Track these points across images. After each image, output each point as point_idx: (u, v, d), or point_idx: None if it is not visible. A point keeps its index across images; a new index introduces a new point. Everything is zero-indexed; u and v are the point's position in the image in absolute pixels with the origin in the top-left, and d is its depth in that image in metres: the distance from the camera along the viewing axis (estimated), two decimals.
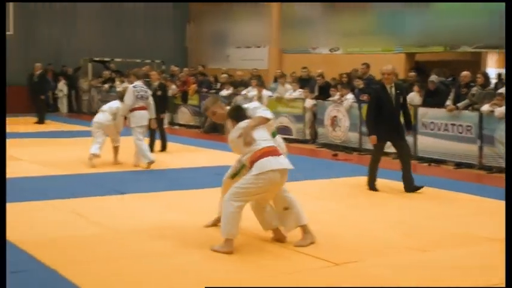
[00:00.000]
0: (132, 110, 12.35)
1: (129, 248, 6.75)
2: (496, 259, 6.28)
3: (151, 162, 12.23)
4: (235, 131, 6.72)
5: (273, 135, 7.10)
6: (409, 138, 14.02)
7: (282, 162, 6.61)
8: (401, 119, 10.69)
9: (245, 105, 7.12)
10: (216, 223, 7.31)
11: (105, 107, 12.81)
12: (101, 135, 12.43)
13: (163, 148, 14.73)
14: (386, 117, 10.27)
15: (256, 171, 6.47)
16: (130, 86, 12.76)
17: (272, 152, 6.58)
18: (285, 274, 5.97)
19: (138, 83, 12.67)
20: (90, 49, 26.21)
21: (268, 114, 6.89)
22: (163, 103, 14.91)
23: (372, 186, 10.44)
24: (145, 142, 12.57)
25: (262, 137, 6.64)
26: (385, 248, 6.97)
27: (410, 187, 10.34)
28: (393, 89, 10.34)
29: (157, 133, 14.67)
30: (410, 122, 11.00)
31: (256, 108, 6.97)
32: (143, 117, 12.48)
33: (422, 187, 10.36)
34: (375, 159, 10.57)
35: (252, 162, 6.54)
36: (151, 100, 12.84)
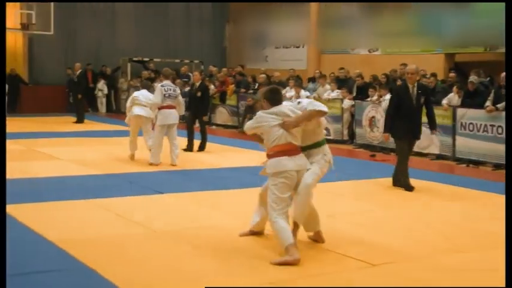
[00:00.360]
0: (160, 108, 12.51)
1: (167, 248, 6.77)
2: None
3: (154, 164, 12.39)
4: (268, 113, 6.53)
5: (321, 143, 6.86)
6: (448, 139, 14.04)
7: (299, 162, 6.48)
8: (424, 119, 10.74)
9: (300, 100, 7.00)
10: (249, 234, 7.18)
11: (142, 100, 12.96)
12: (136, 134, 12.92)
13: (202, 148, 14.78)
14: (405, 116, 10.30)
15: (271, 171, 6.46)
16: (159, 85, 12.97)
17: (289, 151, 6.45)
18: (322, 275, 5.97)
19: (167, 82, 12.85)
20: (129, 49, 26.43)
21: (324, 107, 6.64)
22: (203, 104, 15.00)
23: (406, 186, 10.37)
24: (168, 141, 12.61)
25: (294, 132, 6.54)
26: (421, 248, 6.93)
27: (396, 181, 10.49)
28: (415, 89, 10.35)
29: (196, 133, 14.82)
30: (434, 122, 10.89)
31: (311, 102, 6.77)
32: (170, 115, 12.57)
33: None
34: (402, 159, 10.54)
35: (269, 156, 6.52)
36: (180, 99, 12.95)
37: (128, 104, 13.20)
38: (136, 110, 12.88)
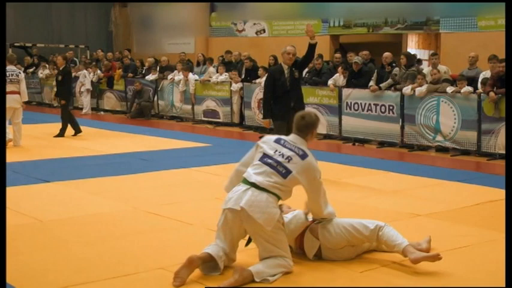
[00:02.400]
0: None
1: (55, 238, 6.64)
2: (419, 234, 6.38)
3: None
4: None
5: None
6: (334, 119, 14.38)
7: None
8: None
9: None
10: None
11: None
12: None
13: (76, 132, 14.78)
14: (280, 98, 9.99)
15: None
16: None
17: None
18: None
19: (10, 67, 12.97)
20: (10, 34, 25.56)
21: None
22: (64, 88, 14.90)
23: None
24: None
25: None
26: None
27: None
28: (290, 70, 10.00)
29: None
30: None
31: None
32: (12, 101, 12.74)
33: None
34: None
35: None
36: (23, 84, 13.05)
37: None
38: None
